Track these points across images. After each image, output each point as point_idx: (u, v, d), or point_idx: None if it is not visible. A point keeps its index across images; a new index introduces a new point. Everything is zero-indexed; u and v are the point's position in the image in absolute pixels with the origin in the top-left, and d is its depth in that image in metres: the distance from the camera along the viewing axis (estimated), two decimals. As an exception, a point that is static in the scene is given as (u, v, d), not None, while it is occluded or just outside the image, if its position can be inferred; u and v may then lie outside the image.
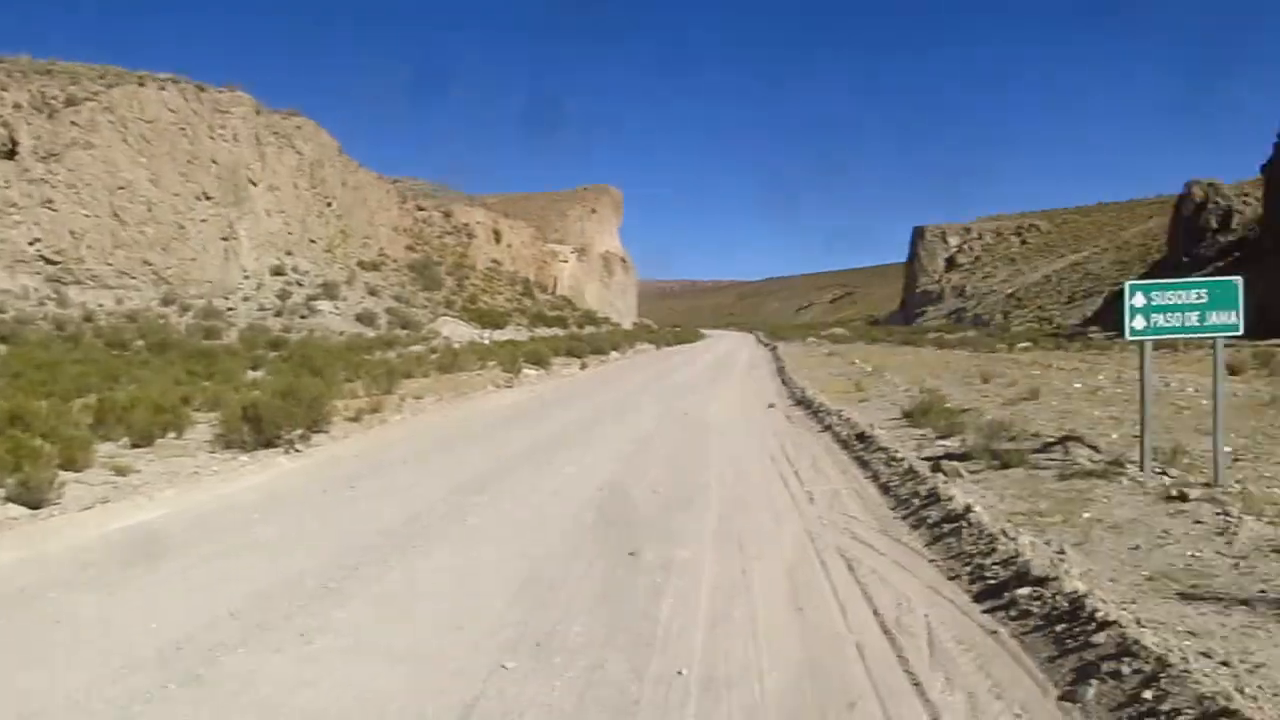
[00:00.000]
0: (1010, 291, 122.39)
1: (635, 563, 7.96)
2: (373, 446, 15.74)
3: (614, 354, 52.98)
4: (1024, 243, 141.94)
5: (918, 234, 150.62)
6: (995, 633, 5.96)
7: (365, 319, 51.21)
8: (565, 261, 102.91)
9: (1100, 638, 5.30)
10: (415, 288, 65.19)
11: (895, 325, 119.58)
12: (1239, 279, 10.39)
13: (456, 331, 55.39)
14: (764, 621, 6.39)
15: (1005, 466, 11.07)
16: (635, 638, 6.07)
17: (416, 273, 68.19)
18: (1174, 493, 9.07)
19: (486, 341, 51.53)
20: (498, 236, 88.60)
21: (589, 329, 76.69)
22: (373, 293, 57.92)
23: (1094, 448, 12.04)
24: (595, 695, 5.20)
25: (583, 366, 41.26)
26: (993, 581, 6.83)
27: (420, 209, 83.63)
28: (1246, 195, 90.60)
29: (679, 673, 5.48)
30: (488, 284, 79.76)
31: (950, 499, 9.07)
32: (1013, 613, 6.18)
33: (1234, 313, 10.15)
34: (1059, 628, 5.70)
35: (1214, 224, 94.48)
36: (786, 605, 6.78)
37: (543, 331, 66.35)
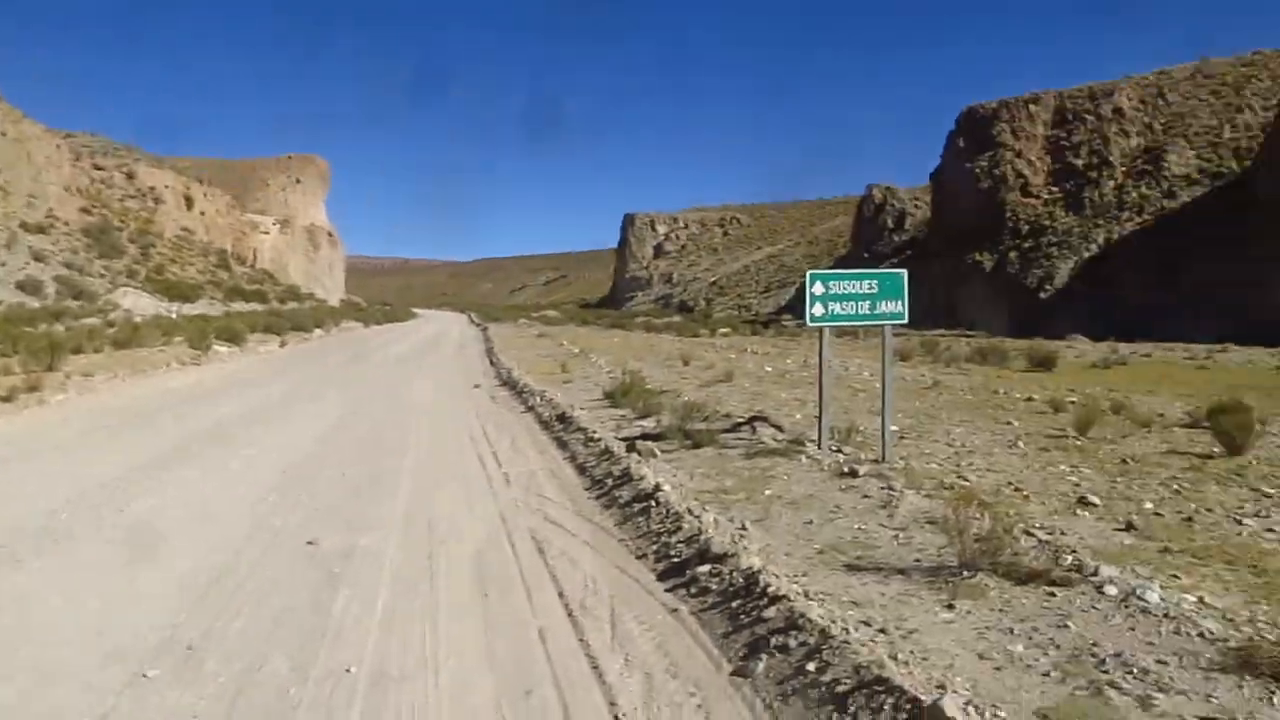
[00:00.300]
0: (713, 280, 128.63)
1: (313, 552, 7.43)
2: (25, 430, 13.97)
3: (318, 331, 50.58)
4: (726, 234, 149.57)
5: (628, 221, 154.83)
6: (676, 611, 6.00)
7: (29, 287, 45.78)
8: (266, 233, 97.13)
9: (771, 612, 5.44)
10: (91, 255, 59.07)
11: (606, 309, 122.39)
12: (904, 271, 11.21)
13: (139, 304, 50.72)
14: (446, 610, 6.11)
15: (697, 446, 11.39)
16: (303, 634, 5.60)
17: (93, 238, 61.79)
18: (846, 469, 9.64)
19: (174, 316, 47.55)
20: (190, 203, 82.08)
21: (292, 305, 72.75)
22: (38, 258, 51.91)
23: (779, 427, 12.66)
24: (249, 701, 4.72)
25: (282, 344, 39.03)
26: (677, 559, 6.91)
27: (98, 168, 75.87)
28: (918, 199, 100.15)
29: (347, 670, 5.09)
30: (177, 254, 73.70)
31: (642, 479, 9.17)
32: (694, 590, 6.26)
33: (900, 302, 10.94)
34: (735, 604, 5.82)
35: (890, 224, 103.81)
36: (472, 591, 6.53)
37: (240, 306, 62.21)
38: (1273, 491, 9.56)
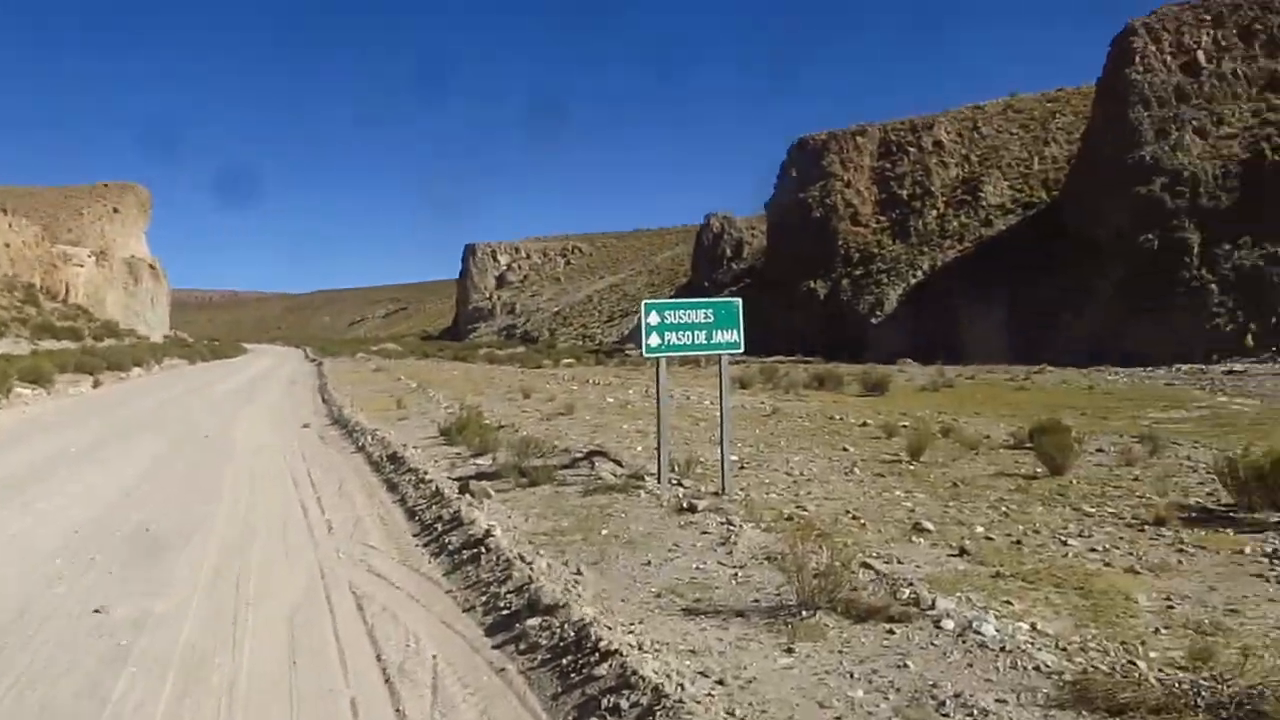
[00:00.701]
0: (556, 310, 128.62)
1: (100, 622, 6.64)
2: None
3: (137, 370, 47.61)
4: (568, 264, 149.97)
5: (469, 251, 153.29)
6: (503, 670, 5.58)
7: None
8: (81, 266, 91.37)
9: (603, 669, 5.08)
10: (-124, 291, 54.15)
11: (449, 341, 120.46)
12: (739, 300, 11.15)
13: (-68, 344, 46.70)
14: (247, 683, 5.50)
15: (534, 484, 10.98)
16: (72, 726, 4.91)
17: (-122, 273, 56.70)
18: (685, 504, 9.41)
19: (-28, 356, 43.93)
20: (-9, 234, 76.39)
21: (109, 342, 68.49)
22: None
23: (618, 462, 12.38)
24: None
25: (96, 384, 36.48)
26: (507, 612, 6.48)
27: (-115, 197, 69.80)
28: (755, 228, 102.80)
29: (121, 769, 4.46)
30: (-22, 289, 68.44)
31: (473, 523, 8.69)
32: (522, 646, 5.84)
33: (735, 331, 10.84)
34: (565, 660, 5.43)
35: (729, 252, 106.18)
36: (280, 659, 5.93)
37: (50, 345, 58.06)
38: (1093, 511, 9.86)
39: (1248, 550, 8.12)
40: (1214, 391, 29.69)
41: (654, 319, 10.59)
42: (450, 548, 8.39)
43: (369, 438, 16.38)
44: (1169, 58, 55.59)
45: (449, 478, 11.65)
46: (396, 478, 12.33)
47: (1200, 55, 54.91)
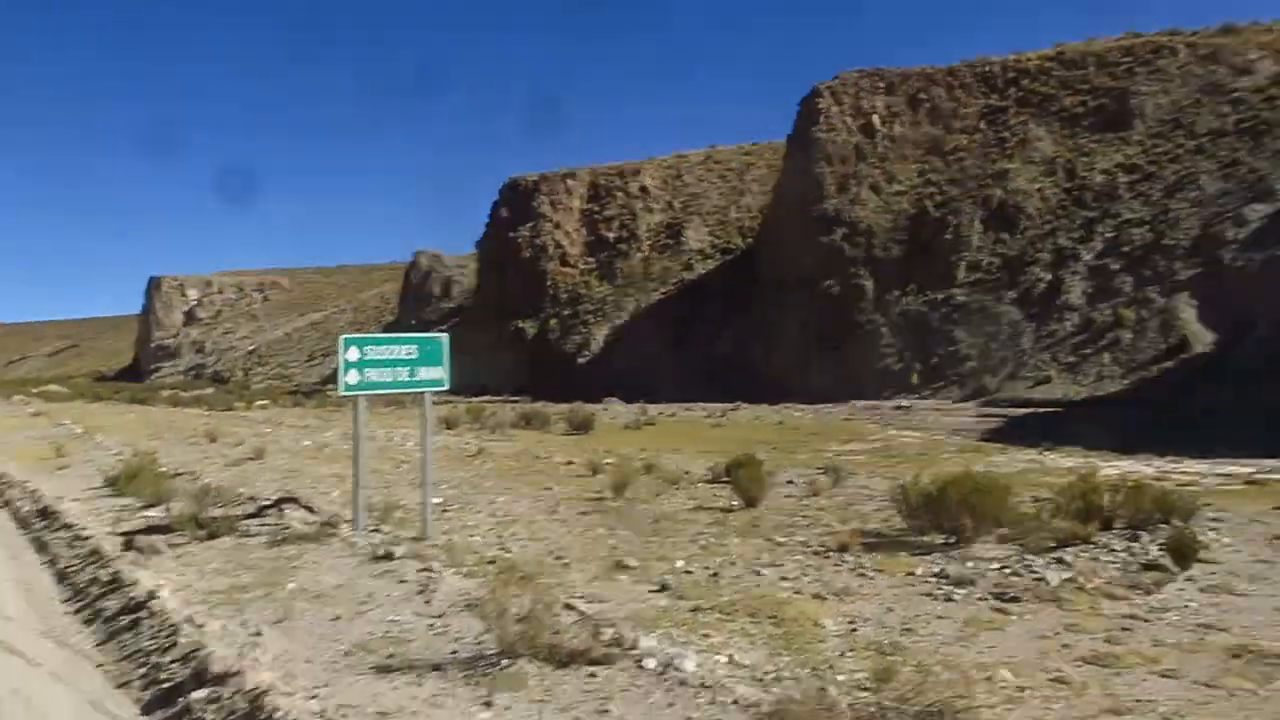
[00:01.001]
0: (252, 348, 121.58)
1: None
2: None
3: None
4: (266, 299, 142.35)
5: (154, 285, 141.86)
6: (160, 754, 4.88)
7: None
8: None
9: (279, 745, 4.55)
10: None
11: (128, 382, 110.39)
12: (445, 336, 10.80)
13: None
14: None
15: (213, 536, 10.02)
16: None
17: None
18: (382, 552, 8.87)
19: None
20: None
21: None
22: None
23: (310, 508, 11.57)
24: None
25: None
26: (169, 684, 5.72)
27: None
28: (464, 267, 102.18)
29: None
30: None
31: (135, 583, 7.72)
32: (186, 723, 5.16)
33: (441, 368, 10.47)
34: (236, 737, 4.83)
35: (438, 291, 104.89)
36: None
37: None
38: (784, 540, 10.28)
39: (919, 571, 8.72)
40: (885, 425, 32.41)
41: (353, 354, 9.99)
42: (106, 613, 7.39)
43: (17, 490, 14.43)
44: (849, 119, 60.79)
45: (112, 533, 10.40)
46: (48, 536, 10.86)
47: (875, 119, 60.43)
